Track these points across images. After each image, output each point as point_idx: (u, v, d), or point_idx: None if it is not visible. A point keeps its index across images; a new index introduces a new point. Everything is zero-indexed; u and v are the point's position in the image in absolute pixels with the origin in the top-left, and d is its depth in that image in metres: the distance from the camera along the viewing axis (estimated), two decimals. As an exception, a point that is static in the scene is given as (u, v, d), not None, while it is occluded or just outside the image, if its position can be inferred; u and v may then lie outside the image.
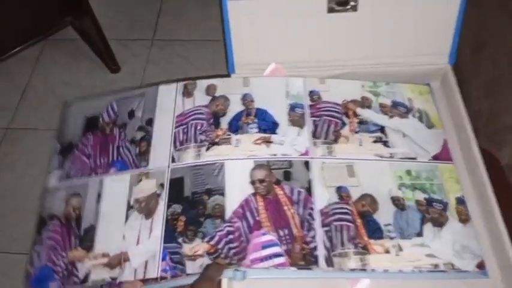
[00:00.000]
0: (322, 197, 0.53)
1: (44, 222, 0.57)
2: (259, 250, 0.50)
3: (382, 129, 0.59)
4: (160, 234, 0.53)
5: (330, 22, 0.61)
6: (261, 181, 0.55)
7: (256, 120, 0.60)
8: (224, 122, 0.61)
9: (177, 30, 1.40)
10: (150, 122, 0.63)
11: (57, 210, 0.57)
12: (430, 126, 0.60)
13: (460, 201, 0.53)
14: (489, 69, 0.74)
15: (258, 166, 0.56)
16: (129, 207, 0.56)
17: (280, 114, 0.60)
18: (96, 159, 0.61)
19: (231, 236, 0.52)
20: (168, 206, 0.55)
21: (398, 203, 0.52)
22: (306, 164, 0.55)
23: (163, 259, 0.51)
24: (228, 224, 0.52)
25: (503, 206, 0.52)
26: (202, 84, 0.65)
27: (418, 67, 0.64)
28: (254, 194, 0.54)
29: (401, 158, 0.56)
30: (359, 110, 0.60)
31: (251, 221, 0.52)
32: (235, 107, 0.62)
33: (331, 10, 0.59)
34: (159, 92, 0.65)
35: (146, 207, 0.55)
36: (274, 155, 0.57)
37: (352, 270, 0.48)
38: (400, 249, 0.49)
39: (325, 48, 0.64)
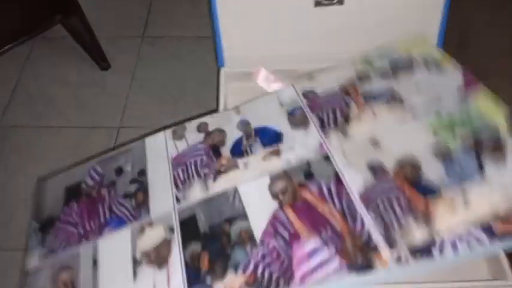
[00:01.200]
0: (356, 180, 0.45)
1: None
2: (306, 261, 0.41)
3: (390, 90, 0.53)
4: (182, 278, 0.43)
5: (318, 16, 0.62)
6: (283, 192, 0.48)
7: (258, 140, 0.55)
8: (225, 150, 0.55)
9: (168, 27, 1.39)
10: (142, 172, 0.56)
11: None
12: (440, 67, 0.54)
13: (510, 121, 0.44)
14: (472, 66, 0.73)
15: (275, 178, 0.49)
16: (136, 263, 0.46)
17: (280, 123, 0.55)
18: (84, 225, 0.53)
19: (268, 259, 0.42)
20: (184, 248, 0.46)
21: (443, 153, 0.44)
22: (326, 158, 0.49)
23: (194, 306, 0.41)
24: (261, 247, 0.43)
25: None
26: (192, 125, 0.61)
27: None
28: (280, 207, 0.46)
29: (424, 106, 0.49)
30: (359, 87, 0.55)
31: (286, 235, 0.44)
32: (233, 134, 0.57)
33: (318, 4, 0.61)
34: (146, 144, 0.60)
35: (157, 257, 0.46)
36: (288, 161, 0.51)
37: (418, 251, 0.39)
38: (466, 201, 0.39)
39: (313, 41, 0.65)
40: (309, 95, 0.57)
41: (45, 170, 1.06)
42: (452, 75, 0.52)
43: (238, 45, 0.66)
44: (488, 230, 0.38)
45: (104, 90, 1.27)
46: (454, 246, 0.38)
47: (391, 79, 0.54)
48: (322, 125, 0.53)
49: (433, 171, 0.43)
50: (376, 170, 0.45)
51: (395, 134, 0.48)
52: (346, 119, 0.52)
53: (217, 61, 0.68)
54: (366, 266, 0.39)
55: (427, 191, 0.42)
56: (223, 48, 0.66)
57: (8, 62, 1.31)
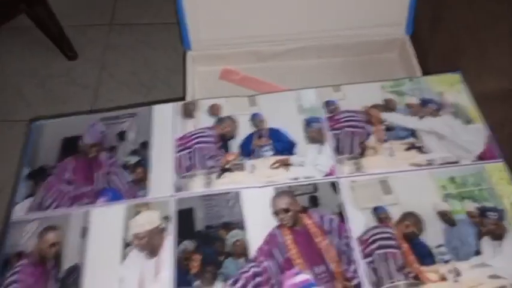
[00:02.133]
0: (358, 222, 0.46)
1: (9, 262, 0.46)
2: (295, 292, 0.43)
3: (413, 133, 0.53)
4: (171, 275, 0.44)
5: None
6: (286, 210, 0.48)
7: (270, 142, 0.54)
8: (234, 145, 0.54)
9: (136, 14, 1.35)
10: (145, 145, 0.54)
11: (27, 246, 0.47)
12: (467, 121, 0.54)
13: None
14: (446, 41, 0.75)
15: (280, 193, 0.49)
16: (126, 244, 0.46)
17: (295, 131, 0.54)
18: (79, 187, 0.51)
19: (258, 279, 0.44)
20: (178, 242, 0.46)
21: (446, 218, 0.46)
22: (333, 185, 0.49)
23: (178, 309, 0.42)
24: (254, 264, 0.44)
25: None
26: (204, 104, 0.58)
27: (376, 38, 0.67)
28: (279, 227, 0.47)
29: (441, 164, 0.50)
30: (383, 115, 0.54)
31: (280, 258, 0.45)
32: (245, 128, 0.55)
33: None
34: (154, 112, 0.57)
35: (149, 244, 0.46)
36: (296, 178, 0.50)
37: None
38: (458, 274, 0.42)
39: (282, 22, 0.66)
40: (330, 107, 0.56)
41: (15, 164, 1.01)
42: (477, 136, 0.52)
43: (206, 28, 0.65)
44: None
45: (73, 80, 1.21)
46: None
47: (417, 118, 0.54)
48: (338, 148, 0.52)
49: (433, 232, 0.45)
50: (380, 216, 0.46)
51: (407, 184, 0.49)
52: (363, 150, 0.52)
53: (183, 44, 0.66)
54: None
55: (423, 256, 0.44)
56: (190, 30, 0.64)
57: (-30, 54, 1.19)
